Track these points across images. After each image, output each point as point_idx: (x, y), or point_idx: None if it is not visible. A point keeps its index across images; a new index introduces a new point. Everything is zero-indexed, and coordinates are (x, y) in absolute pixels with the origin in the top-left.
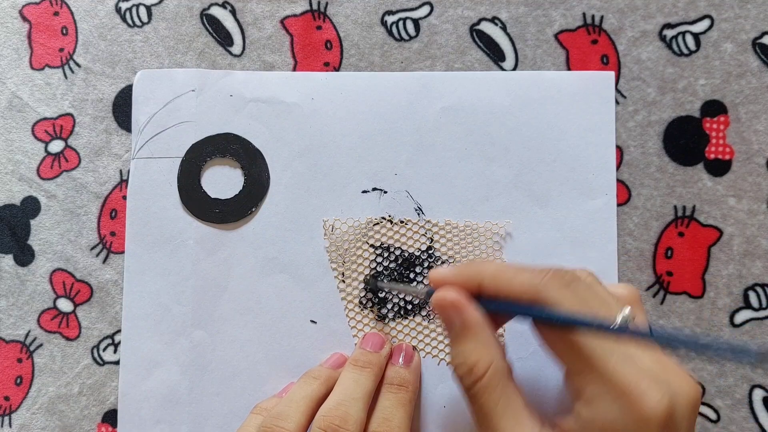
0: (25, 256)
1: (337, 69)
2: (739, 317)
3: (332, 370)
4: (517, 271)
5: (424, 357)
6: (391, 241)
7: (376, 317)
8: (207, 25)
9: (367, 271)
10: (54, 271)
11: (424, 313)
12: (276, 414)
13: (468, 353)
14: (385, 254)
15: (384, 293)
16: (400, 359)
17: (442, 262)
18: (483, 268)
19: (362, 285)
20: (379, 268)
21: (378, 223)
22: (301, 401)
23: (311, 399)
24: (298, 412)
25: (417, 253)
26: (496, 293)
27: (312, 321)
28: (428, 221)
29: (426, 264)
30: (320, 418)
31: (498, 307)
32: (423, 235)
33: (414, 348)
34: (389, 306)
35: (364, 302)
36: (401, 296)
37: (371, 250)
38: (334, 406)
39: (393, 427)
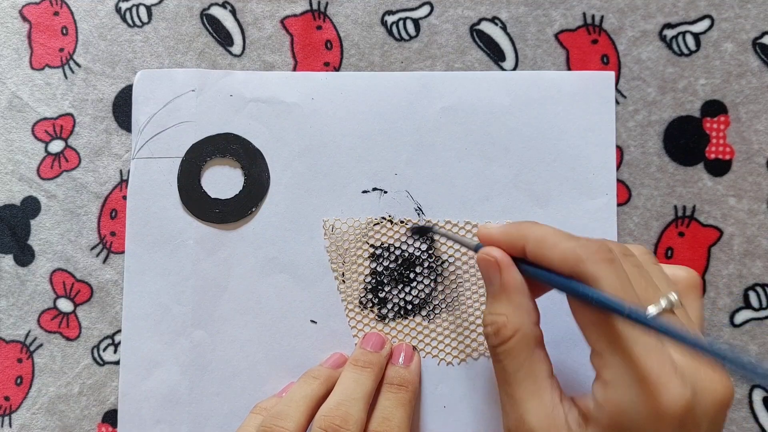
0: (25, 256)
1: (337, 69)
2: (739, 317)
3: (332, 370)
4: (563, 238)
5: (424, 357)
6: (391, 241)
7: (376, 317)
8: (207, 25)
9: (367, 271)
10: (54, 271)
11: (424, 313)
12: (275, 413)
13: (499, 314)
14: (385, 254)
15: (429, 236)
16: (401, 359)
17: (442, 262)
18: (530, 231)
19: (408, 233)
20: (379, 268)
21: (378, 223)
22: (300, 401)
23: (311, 399)
24: (298, 411)
25: (417, 253)
26: (538, 259)
27: (312, 321)
28: (428, 221)
29: (426, 264)
30: (320, 417)
31: (535, 274)
32: (424, 233)
33: (414, 348)
34: (389, 306)
35: (364, 302)
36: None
37: (371, 250)
38: (334, 405)
39: (393, 426)
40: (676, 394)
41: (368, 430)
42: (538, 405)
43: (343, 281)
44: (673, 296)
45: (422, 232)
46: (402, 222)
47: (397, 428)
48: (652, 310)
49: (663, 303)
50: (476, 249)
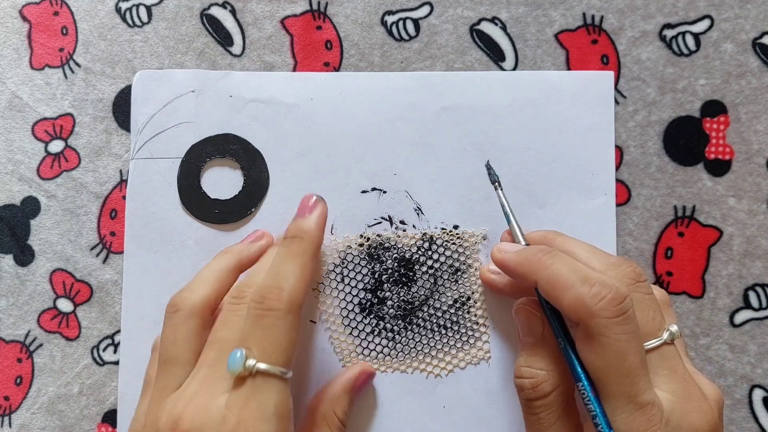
0: (25, 256)
1: (337, 69)
2: (739, 317)
3: (247, 245)
4: (576, 281)
5: (423, 357)
6: (390, 242)
7: (376, 317)
8: (207, 25)
9: (366, 272)
10: (54, 271)
11: (422, 316)
12: (181, 289)
13: (539, 369)
14: (385, 254)
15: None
16: (299, 213)
17: (443, 262)
18: (543, 269)
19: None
20: (379, 269)
21: (378, 223)
22: (209, 274)
23: (221, 271)
24: (206, 283)
25: (417, 254)
26: (550, 299)
27: (311, 321)
28: (426, 226)
29: (426, 265)
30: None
31: (548, 317)
32: (422, 235)
33: (321, 198)
34: (388, 306)
35: (363, 303)
36: (421, 283)
37: (371, 250)
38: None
39: (280, 280)
40: (715, 390)
41: (256, 285)
42: None
43: (342, 281)
44: (674, 328)
45: (493, 178)
46: (402, 222)
47: (285, 281)
48: (652, 343)
49: (665, 336)
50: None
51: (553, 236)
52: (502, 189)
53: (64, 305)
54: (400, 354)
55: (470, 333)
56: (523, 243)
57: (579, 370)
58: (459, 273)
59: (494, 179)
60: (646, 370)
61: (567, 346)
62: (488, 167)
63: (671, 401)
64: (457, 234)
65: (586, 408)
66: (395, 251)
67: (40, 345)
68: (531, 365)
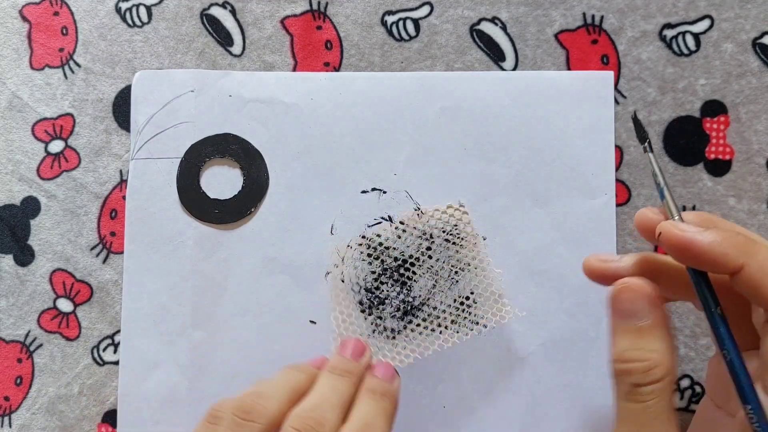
0: (25, 256)
1: (337, 69)
2: None
3: (315, 369)
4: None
5: (423, 358)
6: (390, 242)
7: (375, 317)
8: (207, 25)
9: (366, 272)
10: (54, 271)
11: (422, 315)
12: (257, 392)
13: (652, 350)
14: (385, 254)
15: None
16: (383, 374)
17: (443, 262)
18: (752, 252)
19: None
20: (379, 269)
21: (377, 223)
22: (285, 386)
23: (294, 389)
24: (282, 395)
25: (416, 254)
26: (752, 288)
27: (311, 321)
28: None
29: (426, 264)
30: (295, 417)
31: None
32: (421, 235)
33: (396, 372)
34: (388, 306)
35: (363, 303)
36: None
37: (370, 250)
38: (310, 408)
39: None
40: None
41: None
42: None
43: (342, 281)
44: None
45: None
46: (402, 223)
47: None
48: None
49: None
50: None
51: (715, 219)
52: (653, 152)
53: (64, 305)
54: (400, 354)
55: (470, 333)
56: (678, 219)
57: (745, 385)
58: (459, 273)
59: (643, 137)
60: None
61: (732, 345)
62: (635, 120)
63: None
64: (456, 234)
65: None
66: (395, 251)
67: (40, 345)
68: (641, 347)
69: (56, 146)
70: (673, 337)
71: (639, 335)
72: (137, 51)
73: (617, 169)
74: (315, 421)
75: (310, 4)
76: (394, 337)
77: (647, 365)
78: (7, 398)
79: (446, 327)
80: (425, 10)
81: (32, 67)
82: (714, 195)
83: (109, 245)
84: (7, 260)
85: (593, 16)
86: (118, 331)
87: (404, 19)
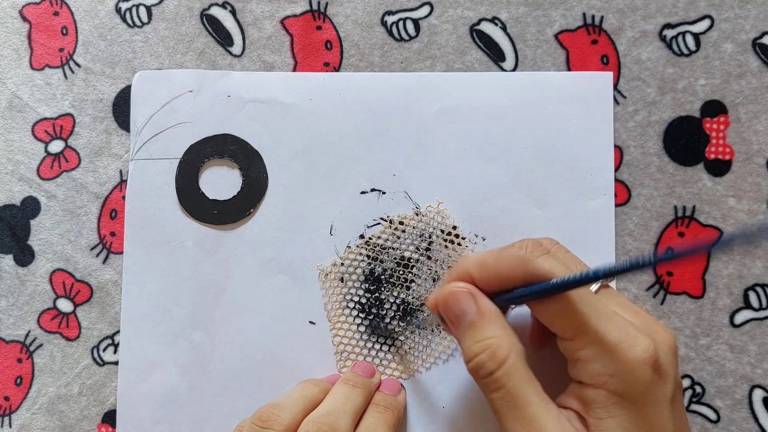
0: (25, 256)
1: (337, 69)
2: (739, 317)
3: (329, 384)
4: (498, 253)
5: (422, 358)
6: (389, 242)
7: (375, 318)
8: (207, 25)
9: (364, 272)
10: (54, 271)
11: (420, 316)
12: (273, 404)
13: (488, 339)
14: (384, 255)
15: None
16: (389, 389)
17: (442, 263)
18: (466, 262)
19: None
20: (377, 270)
21: (377, 224)
22: (299, 399)
23: (308, 400)
24: (295, 406)
25: (415, 255)
26: (488, 280)
27: (311, 322)
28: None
29: (426, 265)
30: (310, 422)
31: (503, 296)
32: (421, 235)
33: (402, 386)
34: (387, 306)
35: (362, 303)
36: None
37: (370, 250)
38: (324, 414)
39: None
40: (645, 343)
41: None
42: (551, 416)
43: (341, 280)
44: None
45: (384, 333)
46: (402, 223)
47: None
48: (595, 286)
49: (594, 287)
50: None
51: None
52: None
53: (64, 305)
54: (400, 354)
55: None
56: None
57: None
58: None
59: (386, 331)
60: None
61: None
62: (376, 328)
63: (638, 324)
64: (456, 234)
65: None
66: (394, 252)
67: (40, 345)
68: (479, 339)
69: (56, 146)
70: (505, 315)
71: (473, 329)
72: (137, 51)
73: (617, 169)
74: (329, 426)
75: (310, 4)
76: (393, 338)
77: (490, 352)
78: (7, 398)
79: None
80: (425, 10)
81: (32, 67)
82: (714, 195)
83: (109, 245)
84: (7, 260)
85: (593, 16)
86: (118, 332)
87: (404, 19)
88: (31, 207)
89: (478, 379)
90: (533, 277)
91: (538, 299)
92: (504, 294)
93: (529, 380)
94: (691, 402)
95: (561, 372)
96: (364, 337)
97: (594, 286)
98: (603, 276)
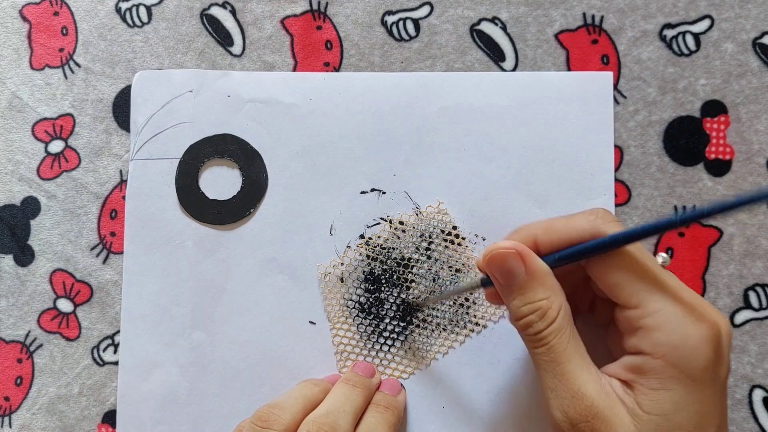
0: (25, 256)
1: (337, 69)
2: (739, 317)
3: (330, 384)
4: (567, 220)
5: (421, 357)
6: (389, 242)
7: (375, 318)
8: (207, 25)
9: (365, 272)
10: (54, 271)
11: (420, 316)
12: (273, 403)
13: (538, 299)
14: (384, 255)
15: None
16: (389, 389)
17: (442, 263)
18: (533, 226)
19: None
20: (377, 270)
21: (377, 224)
22: (299, 398)
23: (309, 400)
24: (295, 406)
25: (416, 255)
26: (553, 246)
27: (311, 322)
28: (418, 298)
29: (426, 265)
30: (310, 422)
31: (561, 256)
32: (421, 235)
33: (402, 386)
34: (387, 306)
35: (362, 303)
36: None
37: (370, 250)
38: (324, 413)
39: None
40: (716, 318)
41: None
42: (591, 376)
43: (341, 280)
44: (664, 254)
45: (418, 307)
46: (402, 223)
47: None
48: (660, 261)
49: (660, 258)
50: (483, 283)
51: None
52: (430, 298)
53: (64, 305)
54: (400, 354)
55: (470, 333)
56: None
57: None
58: (458, 273)
59: (419, 304)
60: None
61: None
62: (409, 306)
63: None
64: (456, 234)
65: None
66: (394, 252)
67: (41, 345)
68: (530, 300)
69: (56, 146)
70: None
71: (523, 290)
72: (137, 51)
73: (617, 169)
74: (329, 426)
75: (310, 4)
76: (393, 338)
77: (541, 312)
78: (7, 398)
79: (444, 328)
80: (425, 10)
81: (32, 67)
82: (714, 195)
83: (109, 245)
84: (7, 260)
85: (593, 16)
86: (118, 332)
87: (404, 19)
88: (31, 207)
89: (524, 335)
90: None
91: (599, 254)
92: (562, 252)
93: (574, 339)
94: None
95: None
96: (364, 337)
97: (660, 261)
98: (678, 224)
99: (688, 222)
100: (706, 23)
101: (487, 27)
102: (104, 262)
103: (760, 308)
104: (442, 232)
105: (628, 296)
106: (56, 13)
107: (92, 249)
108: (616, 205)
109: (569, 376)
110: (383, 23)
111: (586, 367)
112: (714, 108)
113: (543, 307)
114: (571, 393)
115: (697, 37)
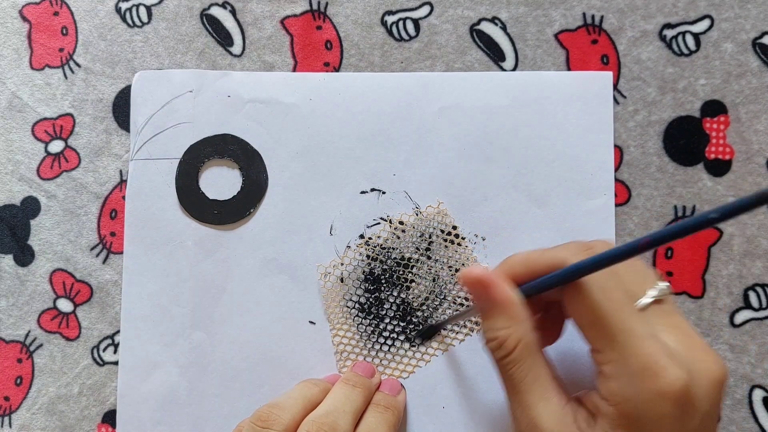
0: (25, 256)
1: (337, 69)
2: (739, 317)
3: (330, 384)
4: (543, 251)
5: (421, 359)
6: (389, 242)
7: (375, 318)
8: (207, 25)
9: (364, 272)
10: (54, 271)
11: (421, 316)
12: (273, 403)
13: (498, 328)
14: (384, 255)
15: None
16: (389, 389)
17: (442, 263)
18: (515, 257)
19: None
20: (377, 270)
21: (377, 224)
22: (299, 398)
23: (308, 400)
24: (295, 406)
25: (416, 255)
26: (529, 276)
27: (311, 322)
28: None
29: (426, 265)
30: (310, 422)
31: (530, 287)
32: (421, 235)
33: (402, 385)
34: (387, 306)
35: (362, 303)
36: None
37: (370, 250)
38: (324, 413)
39: None
40: (674, 376)
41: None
42: (548, 407)
43: (341, 280)
44: (664, 284)
45: (429, 333)
46: (402, 223)
47: None
48: (643, 300)
49: (652, 293)
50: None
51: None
52: (440, 322)
53: (64, 305)
54: (400, 354)
55: (470, 333)
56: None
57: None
58: (458, 273)
59: (432, 330)
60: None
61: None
62: (420, 336)
63: (678, 351)
64: (456, 234)
65: None
66: (394, 252)
67: (40, 345)
68: (491, 327)
69: (56, 146)
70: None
71: (486, 316)
72: (137, 51)
73: (617, 169)
74: (329, 426)
75: (310, 4)
76: (393, 338)
77: (498, 342)
78: (7, 398)
79: (445, 328)
80: (425, 10)
81: (32, 67)
82: (714, 195)
83: (109, 245)
84: (7, 260)
85: (593, 16)
86: (118, 332)
87: (404, 19)
88: (31, 207)
89: (490, 355)
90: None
91: (554, 286)
92: (530, 283)
93: (536, 369)
94: None
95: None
96: (364, 337)
97: (644, 300)
98: (610, 260)
99: (647, 248)
100: (706, 23)
101: (487, 27)
102: (104, 262)
103: (760, 308)
104: (442, 232)
105: (592, 338)
106: (56, 13)
107: (92, 249)
108: (616, 205)
109: (526, 404)
110: (383, 23)
111: (545, 396)
112: (714, 108)
113: (500, 337)
114: (527, 421)
115: (697, 37)
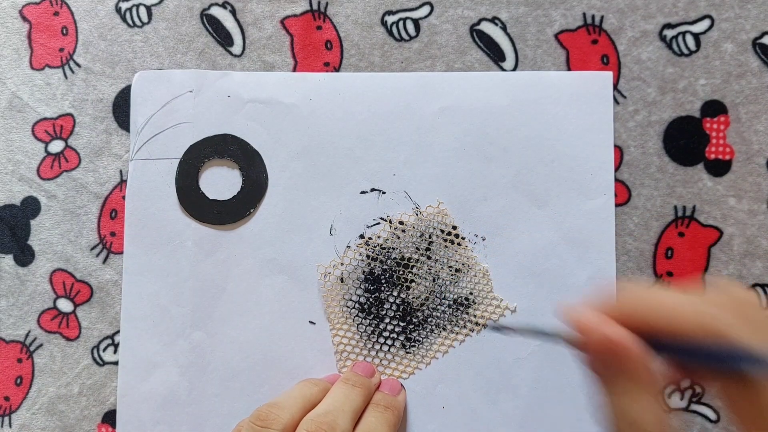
0: (25, 256)
1: (337, 69)
2: None
3: (329, 383)
4: (678, 298)
5: (421, 358)
6: (389, 242)
7: (375, 318)
8: (207, 25)
9: (364, 272)
10: (54, 271)
11: (421, 316)
12: (272, 403)
13: (641, 417)
14: (384, 255)
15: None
16: (389, 389)
17: (442, 263)
18: (638, 294)
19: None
20: (377, 270)
21: (377, 224)
22: (298, 398)
23: (307, 399)
24: (294, 406)
25: (416, 255)
26: (655, 326)
27: (311, 322)
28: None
29: (426, 265)
30: (309, 421)
31: (679, 353)
32: (421, 235)
33: (402, 386)
34: (387, 306)
35: (362, 303)
36: (439, 312)
37: (370, 250)
38: (323, 413)
39: None
40: None
41: None
42: None
43: (341, 280)
44: None
45: (500, 329)
46: (402, 223)
47: None
48: None
49: None
50: (567, 340)
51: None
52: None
53: (64, 305)
54: (400, 354)
55: (470, 333)
56: None
57: None
58: (458, 273)
59: (502, 328)
60: None
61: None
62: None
63: None
64: (455, 234)
65: None
66: (394, 252)
67: (41, 345)
68: (627, 412)
69: (56, 146)
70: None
71: (622, 396)
72: (137, 51)
73: (617, 169)
74: (328, 425)
75: (310, 4)
76: (393, 338)
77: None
78: (7, 398)
79: (444, 328)
80: (425, 10)
81: (32, 67)
82: (714, 195)
83: (109, 245)
84: (7, 260)
85: (593, 16)
86: (118, 332)
87: (404, 19)
88: (31, 207)
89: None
90: (718, 344)
91: (721, 371)
92: (677, 346)
93: None
94: (690, 402)
95: None
96: (364, 337)
97: None
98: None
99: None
100: (706, 23)
101: (487, 27)
102: (104, 262)
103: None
104: (442, 232)
105: (749, 424)
106: (56, 13)
107: (92, 249)
108: (616, 205)
109: None
110: (383, 23)
111: None
112: (714, 108)
113: (642, 429)
114: None
115: (697, 37)
